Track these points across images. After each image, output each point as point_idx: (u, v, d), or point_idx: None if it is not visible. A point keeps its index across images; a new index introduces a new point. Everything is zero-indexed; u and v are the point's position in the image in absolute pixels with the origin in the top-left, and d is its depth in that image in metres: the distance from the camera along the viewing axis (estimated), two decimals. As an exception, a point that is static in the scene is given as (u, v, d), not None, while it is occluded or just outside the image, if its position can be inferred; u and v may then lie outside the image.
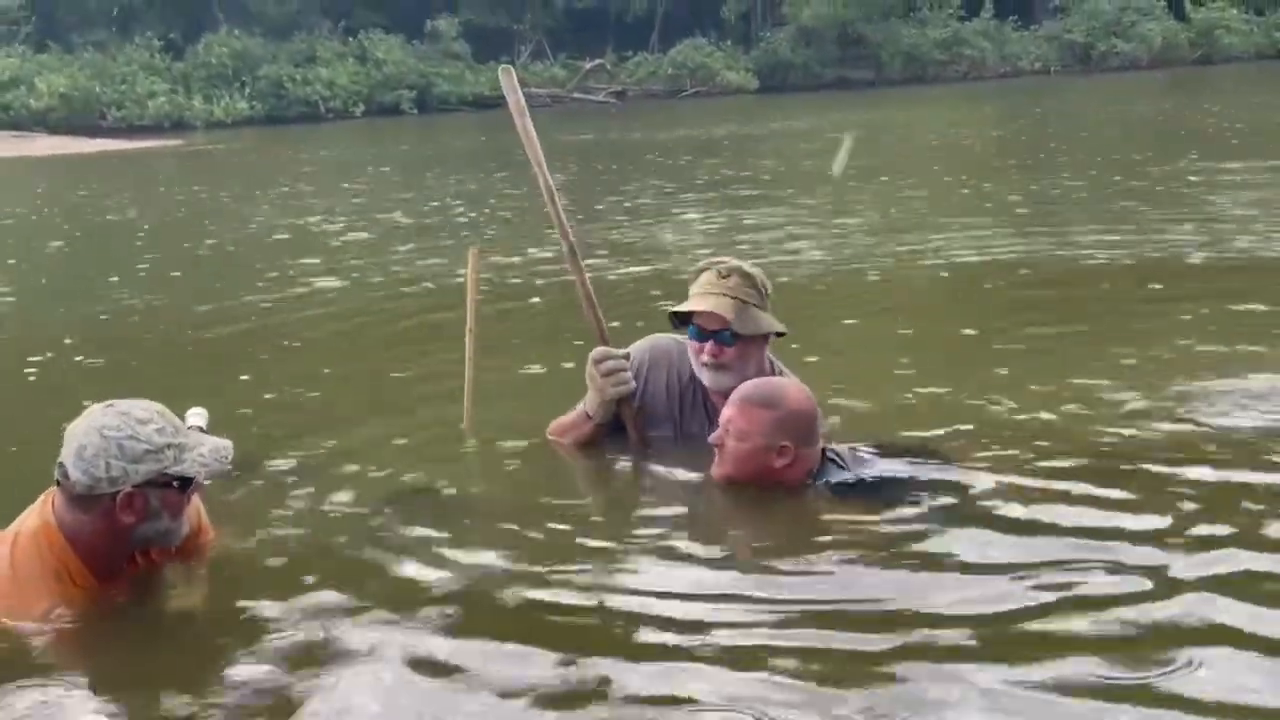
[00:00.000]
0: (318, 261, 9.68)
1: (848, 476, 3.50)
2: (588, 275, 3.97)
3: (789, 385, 3.55)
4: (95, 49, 41.88)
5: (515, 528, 3.42)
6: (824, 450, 3.55)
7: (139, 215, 14.70)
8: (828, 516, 3.35)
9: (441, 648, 2.69)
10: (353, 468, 4.06)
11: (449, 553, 3.25)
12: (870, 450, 3.72)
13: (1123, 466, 3.65)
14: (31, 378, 6.02)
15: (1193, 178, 11.98)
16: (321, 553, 3.28)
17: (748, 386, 3.56)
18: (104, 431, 2.83)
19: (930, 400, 4.55)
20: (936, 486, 3.48)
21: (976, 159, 16.56)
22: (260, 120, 39.85)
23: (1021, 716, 2.32)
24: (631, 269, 8.43)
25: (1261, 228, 8.51)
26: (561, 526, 3.41)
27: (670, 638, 2.69)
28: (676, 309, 3.79)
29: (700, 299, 3.71)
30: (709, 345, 3.71)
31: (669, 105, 39.10)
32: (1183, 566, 2.89)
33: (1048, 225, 9.33)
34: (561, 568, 3.11)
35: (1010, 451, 3.83)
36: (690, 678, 2.51)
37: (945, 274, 7.70)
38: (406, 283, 8.41)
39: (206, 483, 3.10)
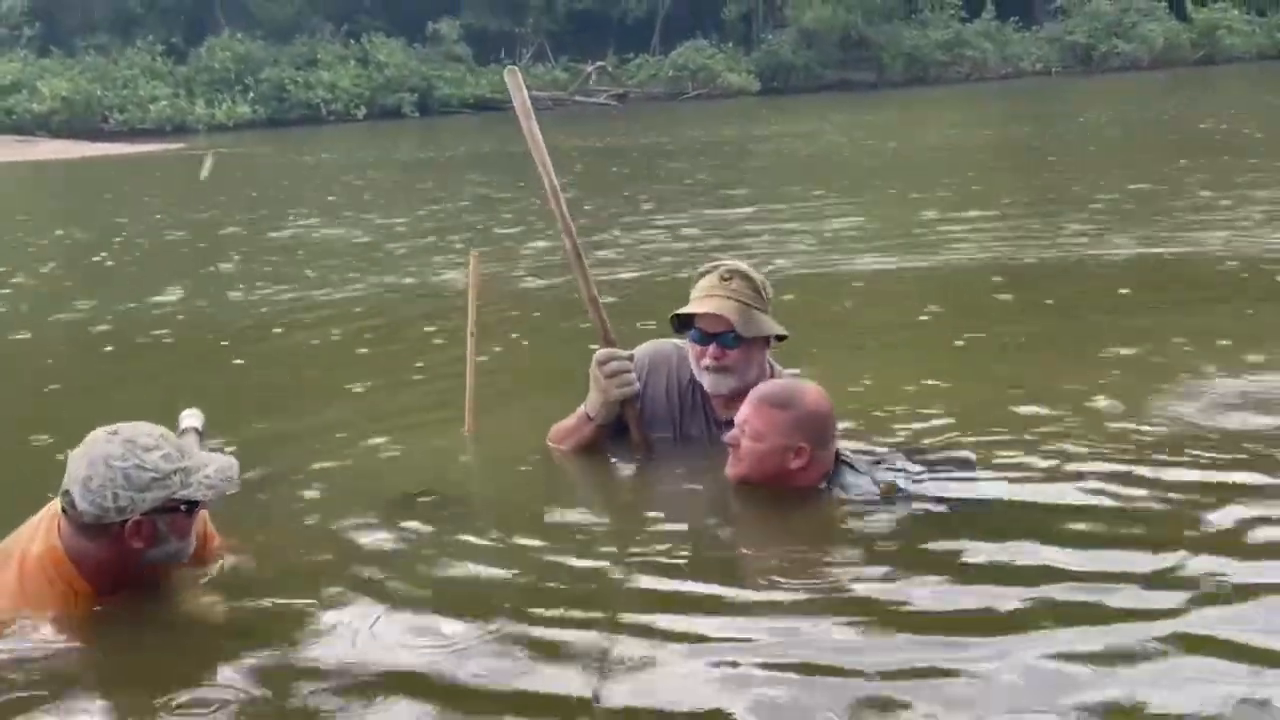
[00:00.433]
0: (319, 264, 9.69)
1: (862, 480, 3.49)
2: (592, 276, 3.96)
3: (806, 386, 3.54)
4: (97, 53, 41.96)
5: (518, 531, 3.41)
6: (837, 452, 3.54)
7: (141, 218, 14.71)
8: (842, 523, 3.33)
9: (443, 653, 2.69)
10: (354, 471, 4.06)
11: (450, 557, 3.25)
12: (882, 453, 3.71)
13: (1137, 470, 3.62)
14: (34, 378, 6.02)
15: (1201, 178, 11.98)
16: (324, 557, 3.27)
17: (765, 387, 3.56)
18: (109, 461, 2.81)
19: (938, 402, 4.53)
20: (949, 490, 3.46)
21: (979, 160, 16.55)
22: (262, 123, 39.88)
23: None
24: (633, 270, 8.43)
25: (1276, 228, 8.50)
26: (565, 529, 3.41)
27: (677, 643, 2.67)
28: (679, 312, 3.78)
29: (703, 301, 3.70)
30: (711, 348, 3.70)
31: (671, 107, 39.12)
32: (1204, 574, 2.87)
33: (1053, 226, 9.32)
34: (564, 571, 3.10)
35: (1022, 454, 3.82)
36: (698, 684, 2.50)
37: (949, 275, 7.70)
38: (407, 285, 8.42)
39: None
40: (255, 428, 4.79)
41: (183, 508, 2.91)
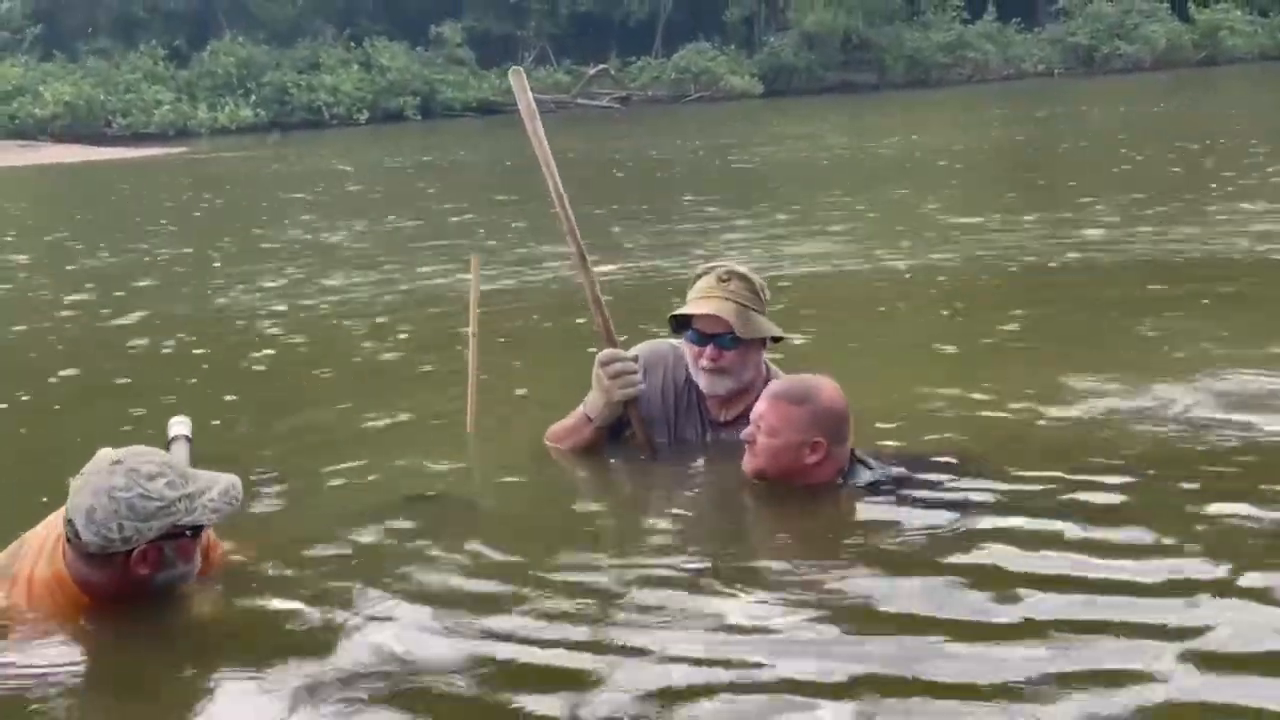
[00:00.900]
0: (320, 266, 9.70)
1: (877, 477, 3.49)
2: (596, 277, 3.96)
3: (822, 382, 3.52)
4: (100, 57, 41.98)
5: (520, 533, 3.41)
6: (853, 451, 3.54)
7: (144, 219, 14.73)
8: (856, 524, 3.32)
9: (444, 655, 2.69)
10: (355, 473, 4.06)
11: (452, 559, 3.24)
12: (893, 455, 3.72)
13: (1151, 472, 3.61)
14: (37, 378, 6.03)
15: (1205, 178, 11.97)
16: (324, 561, 3.27)
17: (780, 383, 3.56)
18: (113, 493, 2.79)
19: (946, 403, 4.54)
20: (962, 491, 3.45)
21: (982, 161, 16.55)
22: (264, 127, 39.87)
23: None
24: (633, 270, 8.43)
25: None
26: (566, 531, 3.41)
27: (680, 644, 2.67)
28: (676, 312, 3.79)
29: (701, 303, 3.70)
30: (709, 349, 3.70)
31: (673, 110, 39.11)
32: (1215, 579, 2.85)
33: (1058, 226, 9.31)
34: (566, 573, 3.10)
35: (1033, 456, 3.82)
36: (701, 688, 2.49)
37: (954, 276, 7.69)
38: (408, 287, 8.42)
39: None
40: (256, 429, 4.80)
41: (188, 533, 2.91)
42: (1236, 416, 4.14)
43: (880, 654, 2.57)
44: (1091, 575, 2.88)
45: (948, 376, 4.97)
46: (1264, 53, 46.28)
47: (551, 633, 2.76)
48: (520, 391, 5.08)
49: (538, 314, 7.20)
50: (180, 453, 3.42)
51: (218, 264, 10.40)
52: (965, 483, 3.53)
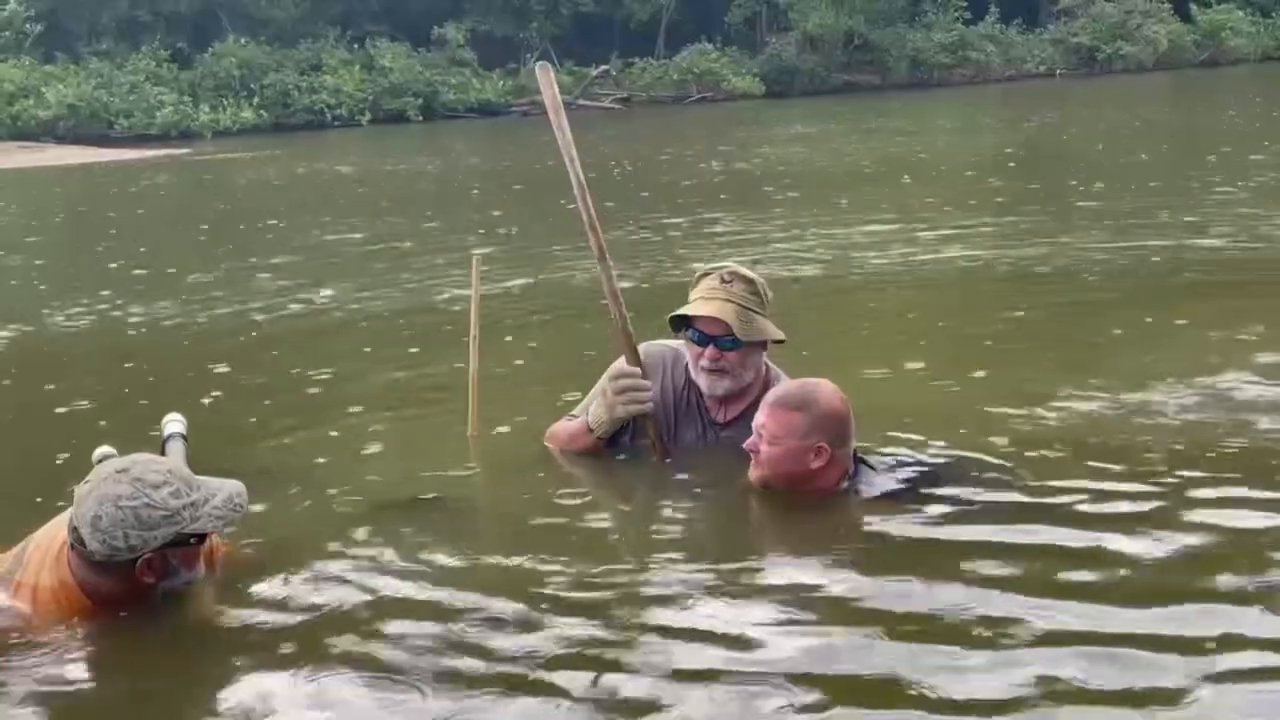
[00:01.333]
0: (320, 267, 9.71)
1: (884, 480, 3.48)
2: (614, 274, 3.94)
3: (821, 386, 3.51)
4: (102, 59, 41.99)
5: (521, 535, 3.42)
6: (856, 452, 3.53)
7: (148, 221, 14.75)
8: (861, 528, 3.31)
9: (445, 656, 2.69)
10: (357, 475, 4.06)
11: (453, 561, 3.25)
12: (895, 455, 3.71)
13: (1158, 473, 3.61)
14: (41, 377, 6.04)
15: (1210, 177, 11.97)
16: (326, 563, 3.27)
17: (779, 390, 3.56)
18: (119, 503, 2.81)
19: (950, 403, 4.54)
20: (966, 493, 3.44)
21: (984, 161, 16.54)
22: (266, 129, 39.89)
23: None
24: (640, 271, 8.43)
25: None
26: (568, 533, 3.41)
27: (681, 645, 2.67)
28: (677, 313, 3.79)
29: (702, 304, 3.71)
30: (709, 350, 3.70)
31: (675, 111, 39.11)
32: (1225, 581, 2.85)
33: (1064, 226, 9.32)
34: (567, 574, 3.10)
35: (1037, 457, 3.81)
36: (708, 687, 2.50)
37: (958, 276, 7.70)
38: (409, 288, 8.42)
39: None
40: (257, 430, 4.81)
41: (192, 540, 2.93)
42: (1249, 419, 4.15)
43: (885, 660, 2.56)
44: (1099, 581, 2.87)
45: (950, 376, 4.97)
46: (1266, 53, 46.24)
47: (552, 634, 2.76)
48: (522, 393, 5.08)
49: (540, 315, 7.20)
50: (176, 451, 3.42)
51: (217, 264, 10.40)
52: (970, 484, 3.53)
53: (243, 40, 43.09)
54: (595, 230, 3.87)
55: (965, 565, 2.98)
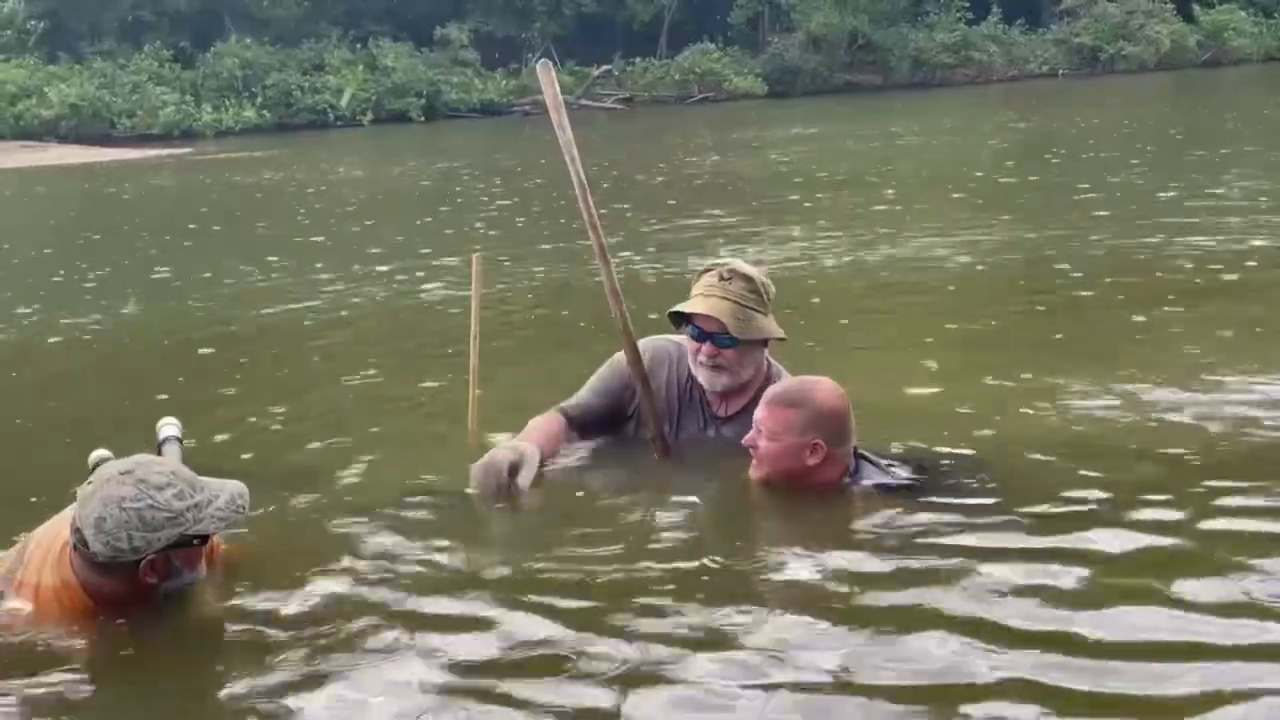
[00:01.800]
0: (319, 266, 9.72)
1: (884, 477, 3.48)
2: (615, 273, 3.93)
3: (818, 383, 3.52)
4: (105, 59, 42.05)
5: (522, 533, 3.42)
6: (857, 450, 3.53)
7: (146, 223, 14.76)
8: (863, 518, 3.31)
9: (444, 654, 2.69)
10: (357, 474, 4.07)
11: (454, 559, 3.25)
12: (897, 453, 3.71)
13: (1161, 472, 3.61)
14: (35, 380, 6.05)
15: (1213, 177, 11.96)
16: (325, 561, 3.27)
17: (777, 387, 3.57)
18: (123, 504, 2.82)
19: (952, 402, 4.54)
20: (969, 491, 3.45)
21: (986, 160, 16.54)
22: (268, 128, 39.93)
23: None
24: (643, 269, 8.44)
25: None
26: (568, 531, 3.40)
27: (684, 647, 2.66)
28: (676, 309, 3.80)
29: (700, 301, 3.72)
30: (706, 346, 3.72)
31: (677, 111, 39.12)
32: (1227, 582, 2.83)
33: (1068, 226, 9.31)
34: (568, 571, 3.10)
35: (1039, 455, 3.81)
36: (707, 684, 2.49)
37: (961, 275, 7.70)
38: (409, 287, 8.43)
39: None
40: (257, 430, 4.81)
41: (195, 541, 2.94)
42: (1242, 418, 4.14)
43: (884, 658, 2.56)
44: (1100, 581, 2.86)
45: (953, 375, 4.97)
46: (1269, 53, 46.28)
47: (553, 632, 2.76)
48: (522, 391, 5.07)
49: (540, 314, 7.20)
50: (172, 454, 3.43)
51: (218, 264, 10.41)
52: (971, 483, 3.53)
53: (245, 40, 43.13)
54: (596, 229, 3.88)
55: (965, 564, 2.97)
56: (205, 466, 3.23)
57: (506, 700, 2.50)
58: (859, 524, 3.31)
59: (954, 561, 2.99)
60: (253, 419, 4.96)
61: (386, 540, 3.39)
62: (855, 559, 3.06)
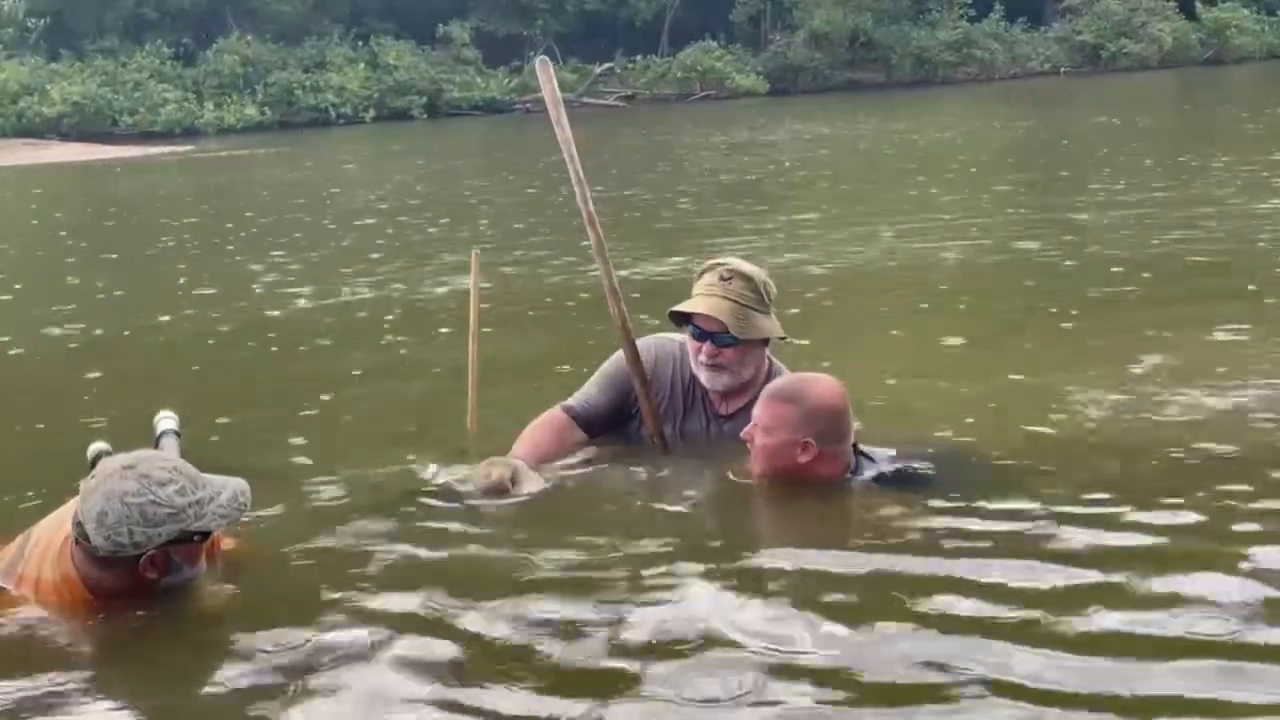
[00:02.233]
0: (319, 265, 9.72)
1: (885, 474, 3.48)
2: (614, 269, 3.94)
3: (817, 380, 3.53)
4: (107, 56, 42.05)
5: (521, 531, 3.41)
6: (858, 447, 3.53)
7: (144, 222, 14.76)
8: (863, 515, 3.31)
9: (444, 653, 2.69)
10: (357, 472, 4.06)
11: (454, 557, 3.25)
12: (897, 451, 3.70)
13: (1163, 468, 3.61)
14: (34, 374, 6.05)
15: (1216, 177, 11.95)
16: (324, 558, 3.28)
17: (776, 382, 3.57)
18: (125, 499, 2.82)
19: (954, 399, 4.54)
20: (971, 490, 3.44)
21: (988, 160, 16.54)
22: (270, 126, 39.94)
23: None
24: (639, 267, 8.44)
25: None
26: (569, 529, 3.40)
27: (682, 647, 2.66)
28: (676, 309, 3.80)
29: (700, 300, 3.73)
30: (706, 346, 3.73)
31: (679, 108, 39.11)
32: (1229, 583, 2.82)
33: (1071, 225, 9.31)
34: (569, 570, 3.10)
35: (1040, 453, 3.82)
36: (716, 681, 2.49)
37: (963, 272, 7.70)
38: (410, 285, 8.43)
39: None
40: (256, 427, 4.81)
41: (195, 538, 2.94)
42: (1244, 417, 4.14)
43: (881, 655, 2.55)
44: (1101, 582, 2.85)
45: (956, 373, 4.98)
46: (1271, 51, 46.20)
47: (553, 631, 2.76)
48: (522, 388, 5.08)
49: (539, 311, 7.20)
50: (170, 447, 3.43)
51: (217, 264, 10.41)
52: (973, 482, 3.52)
53: (247, 38, 43.12)
54: (594, 225, 3.88)
55: (965, 563, 2.96)
56: (204, 464, 3.23)
57: (505, 692, 2.50)
58: (859, 521, 3.32)
59: (954, 560, 2.99)
60: (249, 415, 4.96)
61: (386, 536, 3.39)
62: (855, 557, 3.06)
